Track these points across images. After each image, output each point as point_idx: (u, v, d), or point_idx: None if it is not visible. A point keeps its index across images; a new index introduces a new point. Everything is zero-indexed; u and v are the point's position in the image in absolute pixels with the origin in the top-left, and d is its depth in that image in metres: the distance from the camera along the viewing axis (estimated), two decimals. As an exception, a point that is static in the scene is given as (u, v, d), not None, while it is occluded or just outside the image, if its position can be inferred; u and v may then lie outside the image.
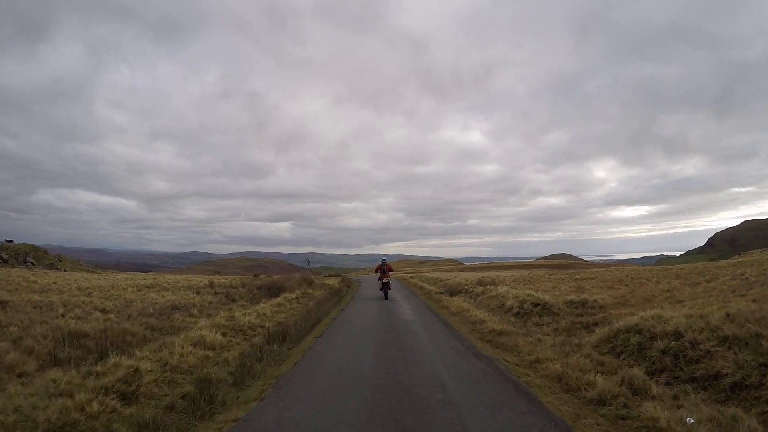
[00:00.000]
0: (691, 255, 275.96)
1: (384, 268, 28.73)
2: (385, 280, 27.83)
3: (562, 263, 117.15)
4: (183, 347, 10.69)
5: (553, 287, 25.79)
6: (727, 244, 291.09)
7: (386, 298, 26.76)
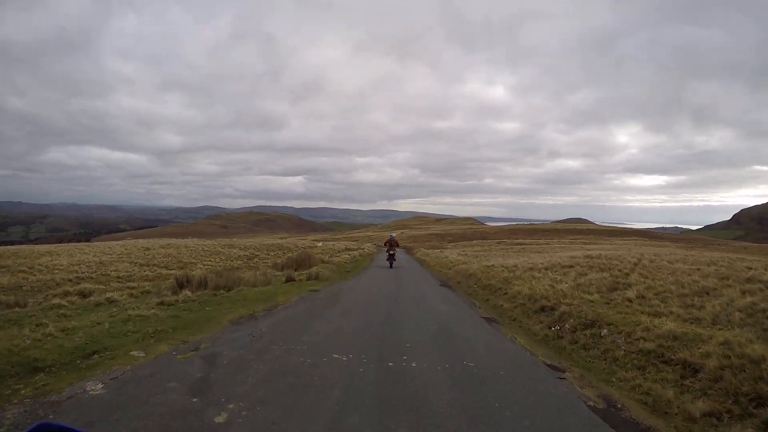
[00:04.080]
0: (715, 230, 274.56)
1: (392, 242, 33.83)
2: (391, 252, 33.22)
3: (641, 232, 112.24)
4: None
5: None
6: (754, 221, 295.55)
7: (391, 267, 32.45)
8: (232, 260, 39.56)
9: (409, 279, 25.70)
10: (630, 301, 14.06)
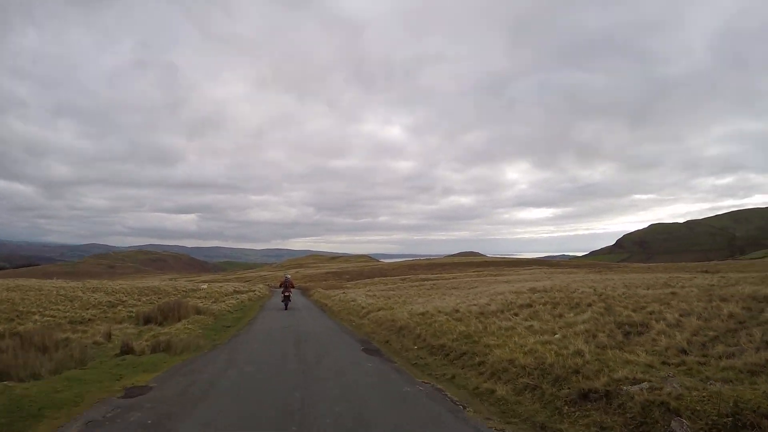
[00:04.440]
0: (601, 255, 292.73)
1: (287, 284, 32.77)
2: (287, 294, 31.89)
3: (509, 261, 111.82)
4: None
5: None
6: (636, 245, 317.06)
7: (286, 309, 31.17)
8: (86, 309, 30.63)
9: (315, 340, 17.35)
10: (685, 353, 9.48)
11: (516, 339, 11.53)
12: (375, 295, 35.98)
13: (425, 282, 55.77)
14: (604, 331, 11.81)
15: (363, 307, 26.30)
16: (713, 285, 18.00)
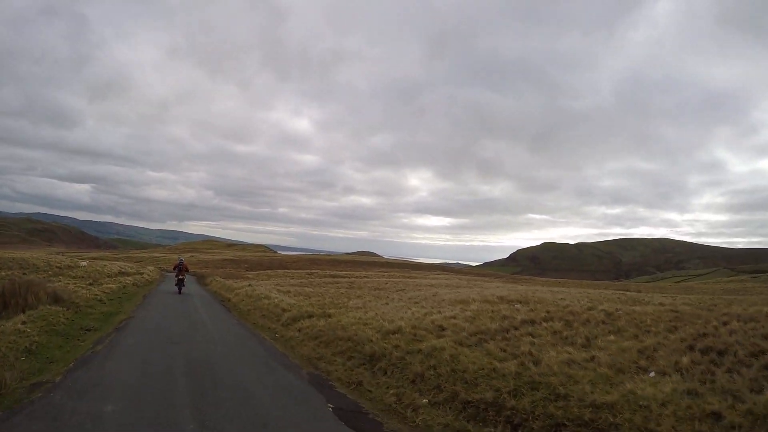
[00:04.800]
0: (495, 267, 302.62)
1: (180, 267, 30.53)
2: (180, 277, 29.87)
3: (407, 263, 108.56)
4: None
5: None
6: (528, 260, 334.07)
7: (180, 293, 29.16)
8: None
9: (227, 375, 10.01)
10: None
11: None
12: (290, 292, 30.05)
13: (339, 279, 50.38)
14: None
15: (284, 309, 19.71)
16: (694, 304, 16.42)
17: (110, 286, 28.89)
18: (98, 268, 43.35)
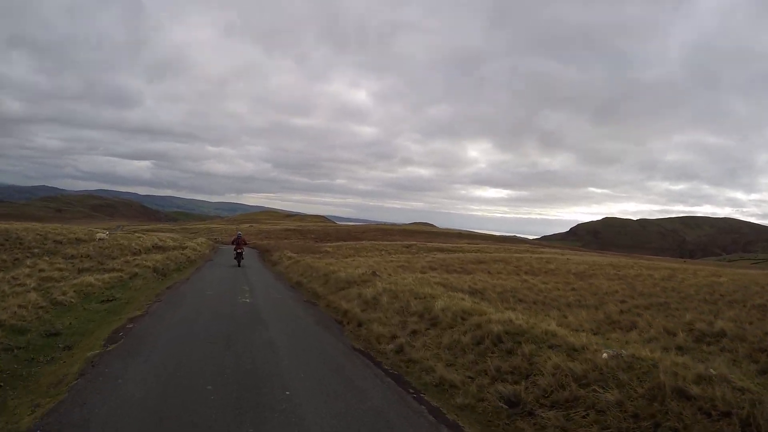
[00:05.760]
0: (555, 240, 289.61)
1: (239, 240, 28.87)
2: (239, 251, 27.86)
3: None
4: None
5: None
6: (590, 235, 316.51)
7: (239, 266, 26.46)
8: None
9: None
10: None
11: None
12: (451, 284, 17.76)
13: (452, 253, 37.19)
14: None
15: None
16: None
17: (117, 273, 17.32)
18: (124, 242, 30.52)
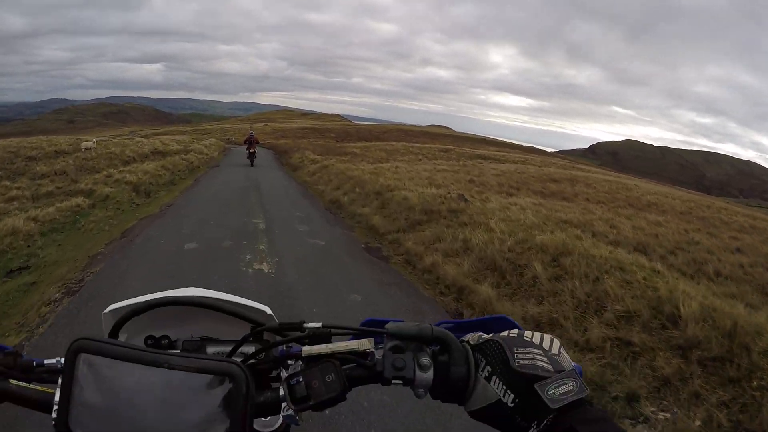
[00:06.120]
0: (574, 156, 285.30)
1: (251, 140, 27.56)
2: (252, 150, 26.76)
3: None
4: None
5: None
6: (609, 155, 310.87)
7: (252, 165, 25.36)
8: None
9: None
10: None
11: None
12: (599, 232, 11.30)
13: (502, 163, 32.19)
14: None
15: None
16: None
17: (79, 200, 12.19)
18: (116, 149, 25.74)
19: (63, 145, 26.98)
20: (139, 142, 32.62)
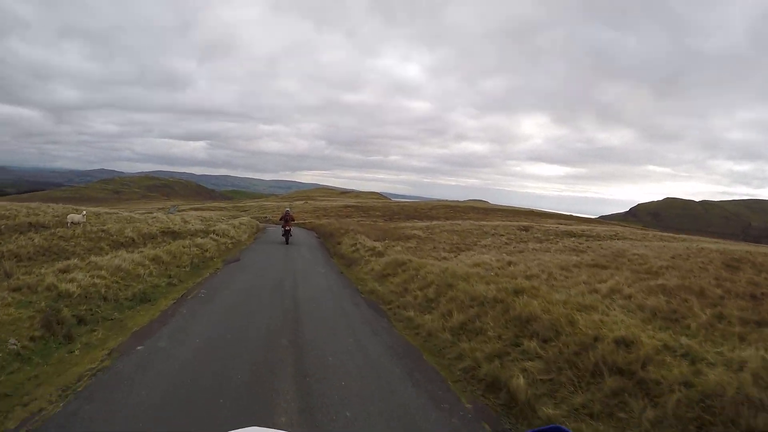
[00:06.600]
0: (615, 221, 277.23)
1: (287, 217, 26.16)
2: (287, 228, 25.19)
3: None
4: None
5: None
6: (650, 216, 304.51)
7: (287, 243, 23.91)
8: None
9: None
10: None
11: None
12: None
13: (600, 240, 25.58)
14: None
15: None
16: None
17: None
18: (112, 226, 19.78)
19: (47, 216, 20.94)
20: (153, 217, 26.53)
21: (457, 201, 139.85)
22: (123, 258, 11.48)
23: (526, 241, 24.70)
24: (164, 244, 17.03)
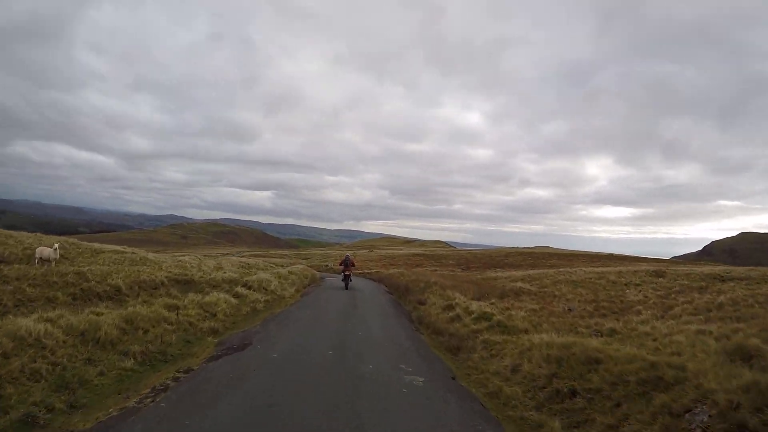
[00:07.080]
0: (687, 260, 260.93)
1: (347, 262, 25.58)
2: (347, 273, 24.51)
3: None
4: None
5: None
6: (725, 254, 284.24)
7: (347, 288, 22.82)
8: None
9: None
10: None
11: None
12: None
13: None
14: None
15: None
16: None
17: None
18: (100, 269, 13.70)
19: (17, 248, 15.16)
20: (162, 261, 20.63)
21: (528, 248, 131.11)
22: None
23: (683, 291, 17.40)
24: (161, 297, 10.93)
